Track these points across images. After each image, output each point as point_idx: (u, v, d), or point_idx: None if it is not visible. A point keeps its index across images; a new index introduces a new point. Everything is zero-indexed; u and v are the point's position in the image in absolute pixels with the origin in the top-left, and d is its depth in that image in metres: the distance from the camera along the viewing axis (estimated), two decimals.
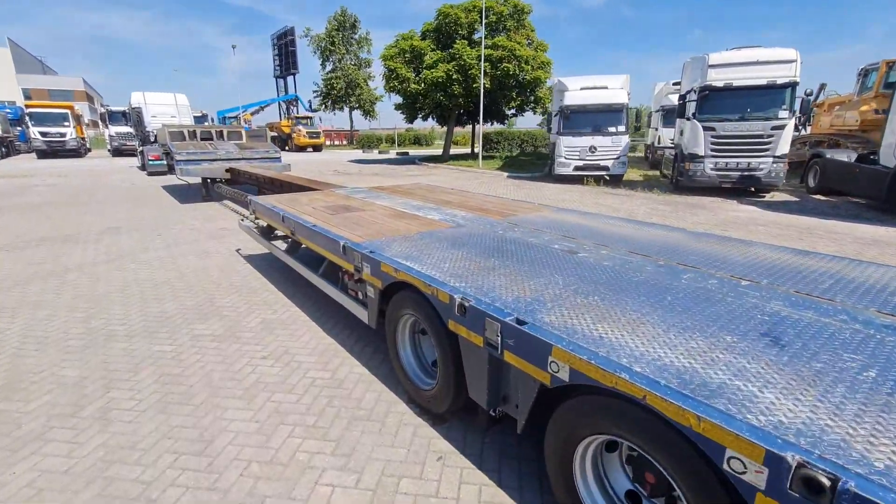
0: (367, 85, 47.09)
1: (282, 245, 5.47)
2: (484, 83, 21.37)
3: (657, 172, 18.39)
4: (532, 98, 23.62)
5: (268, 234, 6.01)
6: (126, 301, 4.92)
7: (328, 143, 46.32)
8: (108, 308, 4.70)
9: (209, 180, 11.79)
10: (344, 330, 4.20)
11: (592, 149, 14.89)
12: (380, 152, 39.78)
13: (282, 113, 49.28)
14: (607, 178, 15.18)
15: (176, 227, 8.77)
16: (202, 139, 12.88)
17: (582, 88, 15.32)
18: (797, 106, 11.55)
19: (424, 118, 27.79)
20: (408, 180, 16.88)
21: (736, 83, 11.71)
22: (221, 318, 4.49)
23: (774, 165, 11.83)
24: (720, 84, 11.82)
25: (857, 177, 10.86)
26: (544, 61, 22.59)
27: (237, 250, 7.16)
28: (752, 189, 12.70)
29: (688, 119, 12.63)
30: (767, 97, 11.72)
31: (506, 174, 18.88)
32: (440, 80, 21.67)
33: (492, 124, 29.95)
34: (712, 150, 12.18)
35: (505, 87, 22.50)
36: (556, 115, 15.70)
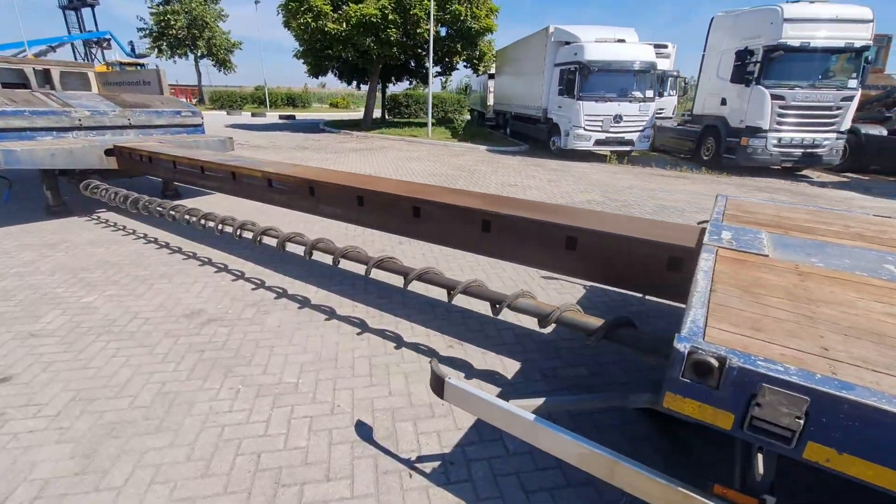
0: (219, 26, 36.73)
1: None
2: (429, 28, 16.73)
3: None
4: (477, 53, 19.65)
5: None
6: None
7: None
8: None
9: (61, 173, 5.61)
10: None
11: (618, 118, 12.07)
12: (253, 115, 31.48)
13: (81, 58, 35.74)
14: (631, 154, 12.65)
15: None
16: (8, 86, 6.34)
17: (597, 41, 12.18)
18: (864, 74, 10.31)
19: (340, 72, 21.67)
20: (357, 158, 11.91)
21: (813, 43, 9.88)
22: None
23: (837, 142, 10.57)
24: (797, 43, 9.86)
25: None
26: (492, 8, 18.75)
27: None
28: (800, 170, 11.47)
29: (747, 84, 10.56)
30: (840, 62, 10.21)
31: (483, 147, 15.04)
32: (373, 19, 16.25)
33: (412, 84, 25.18)
34: (779, 122, 10.37)
35: (452, 35, 18.14)
36: (566, 74, 12.35)
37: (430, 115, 18.39)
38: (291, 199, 3.75)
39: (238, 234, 3.69)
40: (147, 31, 35.28)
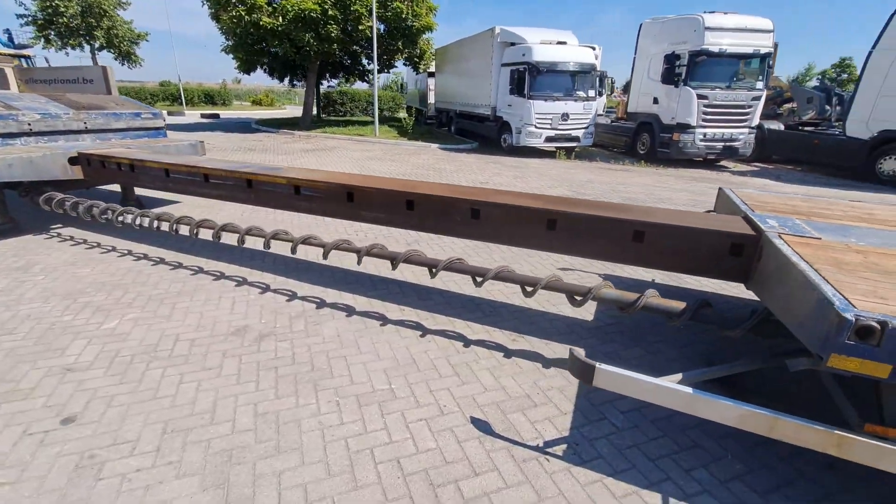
0: (120, 15, 33.04)
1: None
2: (371, 26, 16.50)
3: None
4: (417, 51, 19.67)
5: None
6: None
7: None
8: None
9: (6, 185, 4.89)
10: None
11: (565, 116, 12.84)
12: (170, 114, 28.85)
13: None
14: (576, 150, 13.50)
15: None
16: None
17: (542, 43, 12.83)
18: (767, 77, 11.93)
19: (271, 68, 20.56)
20: (313, 160, 11.61)
21: (729, 49, 11.26)
22: None
23: (749, 136, 12.15)
24: (716, 49, 11.18)
25: (815, 148, 11.96)
26: (430, 6, 18.88)
27: None
28: (720, 161, 12.97)
29: (676, 86, 11.77)
30: (750, 66, 11.73)
31: (434, 146, 15.17)
32: (312, 14, 15.65)
33: (348, 82, 24.58)
34: (704, 119, 11.70)
35: (393, 33, 17.99)
36: (516, 74, 12.85)
37: (376, 113, 18.13)
38: (325, 206, 3.65)
39: (267, 244, 3.55)
40: (30, 19, 30.74)
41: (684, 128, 11.82)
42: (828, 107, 14.43)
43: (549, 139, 12.96)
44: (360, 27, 16.75)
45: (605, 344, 3.15)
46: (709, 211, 3.80)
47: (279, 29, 16.25)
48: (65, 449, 2.06)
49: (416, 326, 3.30)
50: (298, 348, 2.95)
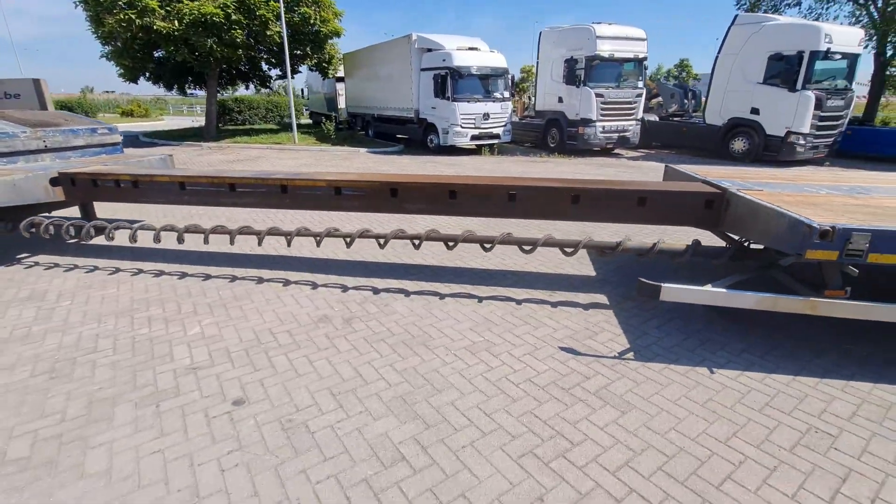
0: None
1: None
2: (280, 31, 16.13)
3: None
4: (326, 56, 19.52)
5: None
6: None
7: None
8: None
9: None
10: None
11: (486, 116, 14.03)
12: None
13: None
14: (497, 146, 14.78)
15: None
16: None
17: (458, 49, 13.85)
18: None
19: (157, 76, 18.78)
20: (244, 169, 11.35)
21: (617, 55, 13.34)
22: None
23: (636, 127, 14.48)
24: (607, 55, 13.18)
25: (685, 134, 14.68)
26: (336, 12, 18.90)
27: None
28: (614, 149, 15.19)
29: (577, 86, 13.60)
30: (632, 69, 13.97)
31: (363, 150, 15.39)
32: (214, 18, 14.83)
33: (251, 88, 23.34)
34: (601, 114, 13.69)
35: (301, 38, 17.69)
36: (439, 79, 13.69)
37: (293, 121, 17.68)
38: (369, 203, 4.07)
39: (350, 242, 3.87)
40: None
41: (587, 122, 13.71)
42: (686, 101, 17.66)
43: (474, 137, 14.05)
44: (268, 32, 16.25)
45: (616, 287, 4.08)
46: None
47: (175, 34, 15.12)
48: (259, 420, 2.35)
49: (469, 296, 3.91)
50: (387, 324, 3.40)
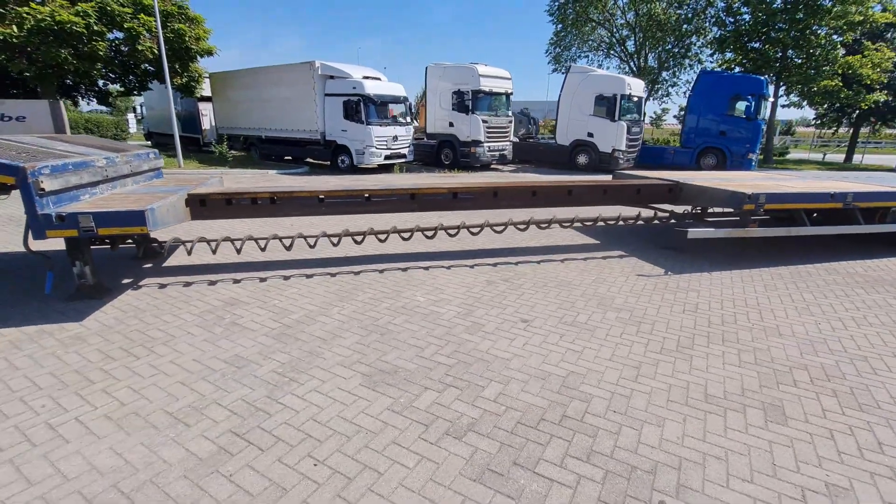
0: None
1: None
2: (153, 47, 14.82)
3: None
4: (195, 75, 18.19)
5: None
6: None
7: None
8: None
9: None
10: None
11: (395, 138, 15.69)
12: None
13: None
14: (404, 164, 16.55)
15: None
16: None
17: (365, 77, 15.21)
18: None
19: None
20: None
21: (493, 89, 16.65)
22: None
23: (510, 146, 18.09)
24: (487, 90, 16.37)
25: (542, 151, 18.93)
26: (205, 30, 17.93)
27: None
28: (494, 165, 18.53)
29: (467, 114, 16.45)
30: (503, 101, 17.48)
31: (272, 171, 15.22)
32: (74, 28, 12.88)
33: (89, 103, 19.70)
34: (487, 136, 16.82)
35: (171, 55, 16.30)
36: (351, 104, 14.74)
37: (177, 142, 16.07)
38: (477, 203, 5.63)
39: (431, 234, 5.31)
40: None
41: (477, 143, 16.65)
42: (530, 125, 22.42)
43: (387, 157, 15.55)
44: (140, 47, 14.74)
45: (624, 246, 6.53)
46: None
47: (13, 41, 12.62)
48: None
49: (556, 261, 5.83)
50: (538, 278, 5.10)
